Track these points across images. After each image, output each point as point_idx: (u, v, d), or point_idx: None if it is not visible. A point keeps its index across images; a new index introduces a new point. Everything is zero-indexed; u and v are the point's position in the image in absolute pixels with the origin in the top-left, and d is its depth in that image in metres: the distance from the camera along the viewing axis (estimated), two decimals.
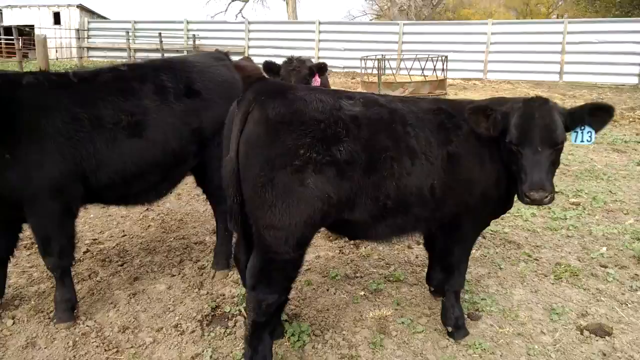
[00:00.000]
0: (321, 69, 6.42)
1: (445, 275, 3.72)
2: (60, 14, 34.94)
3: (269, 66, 6.29)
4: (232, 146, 2.93)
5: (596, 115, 3.26)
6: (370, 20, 48.95)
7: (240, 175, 2.92)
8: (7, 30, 33.34)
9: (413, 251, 5.32)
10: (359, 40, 27.07)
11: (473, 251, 5.07)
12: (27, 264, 4.76)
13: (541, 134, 3.09)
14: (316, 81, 6.36)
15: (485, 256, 5.24)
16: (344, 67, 26.42)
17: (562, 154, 3.34)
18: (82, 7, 34.93)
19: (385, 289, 4.47)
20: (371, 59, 19.25)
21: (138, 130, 3.67)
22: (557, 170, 3.64)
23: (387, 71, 20.06)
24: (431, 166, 3.23)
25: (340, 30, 28.29)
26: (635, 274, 4.93)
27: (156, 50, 29.04)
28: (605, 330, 3.91)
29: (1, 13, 35.81)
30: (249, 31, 29.81)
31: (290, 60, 6.30)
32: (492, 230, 5.91)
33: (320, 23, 28.29)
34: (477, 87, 20.43)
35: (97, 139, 3.53)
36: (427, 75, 18.79)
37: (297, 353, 3.53)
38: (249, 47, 29.67)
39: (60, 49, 31.91)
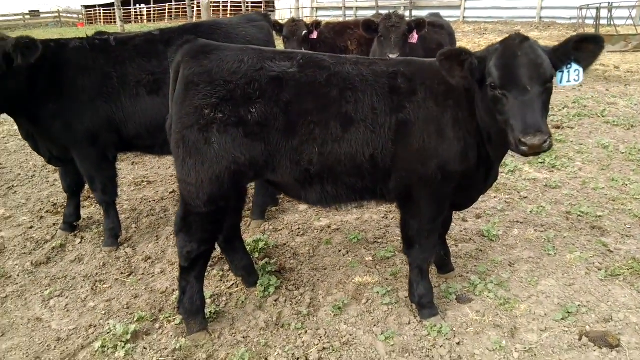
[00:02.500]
0: (419, 25, 6.23)
1: (407, 248, 3.50)
2: None
3: (368, 24, 6.34)
4: (170, 104, 3.23)
5: (583, 49, 2.83)
6: None
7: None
8: None
9: (462, 224, 4.96)
10: None
11: (532, 232, 4.60)
12: None
13: (528, 70, 2.68)
14: (413, 37, 6.20)
15: (545, 239, 4.60)
16: (570, 18, 23.38)
17: None
18: None
19: (392, 257, 4.36)
20: (593, 7, 16.79)
21: (157, 88, 4.26)
22: None
23: (618, 22, 17.27)
24: (372, 134, 3.09)
25: None
26: None
27: (373, 8, 29.76)
28: (609, 341, 3.25)
29: None
30: None
31: (389, 16, 6.25)
32: (582, 212, 5.08)
33: None
34: None
35: (124, 95, 4.23)
36: None
37: (257, 302, 3.81)
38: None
39: (296, 9, 35.01)
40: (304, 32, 7.25)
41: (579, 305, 3.64)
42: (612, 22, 16.66)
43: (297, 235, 4.86)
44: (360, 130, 3.08)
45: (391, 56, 5.86)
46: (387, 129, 3.10)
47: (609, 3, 17.12)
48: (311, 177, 3.18)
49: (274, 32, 7.16)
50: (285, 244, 4.70)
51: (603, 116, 8.46)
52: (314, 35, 7.33)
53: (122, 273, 4.28)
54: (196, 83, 3.01)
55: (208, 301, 3.67)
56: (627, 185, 5.71)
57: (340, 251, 4.54)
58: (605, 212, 5.08)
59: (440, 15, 8.48)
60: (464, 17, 28.07)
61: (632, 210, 5.10)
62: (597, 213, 5.05)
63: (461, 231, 4.83)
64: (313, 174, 3.17)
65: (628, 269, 4.05)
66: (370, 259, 4.39)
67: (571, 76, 2.90)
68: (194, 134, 3.00)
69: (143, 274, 4.29)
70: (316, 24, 7.41)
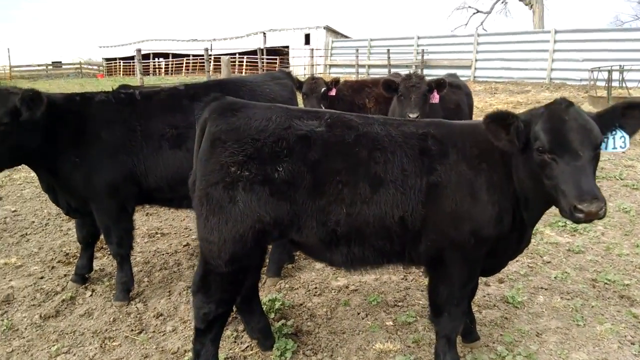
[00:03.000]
0: (440, 85, 6.28)
1: (435, 316, 3.34)
2: (310, 35, 39.26)
3: (388, 84, 6.40)
4: (194, 161, 3.18)
5: (629, 116, 2.82)
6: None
7: None
8: (269, 51, 38.82)
9: (485, 289, 4.79)
10: (602, 49, 24.02)
11: (558, 299, 4.43)
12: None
13: (579, 135, 2.62)
14: (435, 98, 6.24)
15: (572, 307, 4.42)
16: (580, 80, 23.70)
17: None
18: (328, 28, 38.69)
19: (414, 323, 4.19)
20: (604, 71, 17.02)
21: (180, 142, 4.25)
22: None
23: (630, 84, 17.46)
24: (402, 196, 3.00)
25: (580, 39, 25.43)
26: None
27: (385, 66, 30.45)
28: None
29: (265, 36, 41.85)
30: (478, 44, 29.06)
31: (409, 76, 6.31)
32: (608, 280, 4.91)
33: (556, 32, 26.02)
34: None
35: (146, 148, 4.22)
36: None
37: None
38: (476, 60, 28.96)
39: (310, 66, 35.96)
40: (322, 89, 7.35)
41: None
42: (624, 85, 16.83)
43: (314, 295, 4.72)
44: (390, 192, 2.99)
45: (411, 116, 5.87)
46: (418, 191, 3.01)
47: (620, 66, 17.39)
48: (337, 239, 3.07)
49: (296, 89, 7.32)
50: (301, 304, 4.55)
51: (622, 179, 8.37)
52: (333, 92, 7.42)
53: (132, 330, 4.13)
54: (223, 140, 2.97)
55: None
56: None
57: (359, 314, 4.37)
58: (632, 281, 4.90)
59: (457, 75, 8.60)
60: (474, 77, 28.59)
61: None
62: (625, 281, 4.88)
63: (484, 296, 4.66)
64: (340, 235, 3.07)
65: None
66: (391, 323, 4.21)
67: (617, 142, 2.85)
68: (219, 191, 2.93)
69: (154, 331, 4.13)
70: (335, 82, 7.53)
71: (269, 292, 4.75)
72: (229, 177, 2.91)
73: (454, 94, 7.24)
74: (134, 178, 4.26)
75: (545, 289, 4.80)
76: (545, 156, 2.70)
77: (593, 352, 3.81)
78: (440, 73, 22.67)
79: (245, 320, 3.83)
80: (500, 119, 2.83)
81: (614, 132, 2.84)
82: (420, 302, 4.54)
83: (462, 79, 8.92)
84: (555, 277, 5.01)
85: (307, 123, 3.06)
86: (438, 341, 3.41)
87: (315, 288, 4.83)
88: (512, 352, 3.76)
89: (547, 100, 18.16)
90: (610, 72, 16.22)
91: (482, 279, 4.88)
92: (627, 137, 2.84)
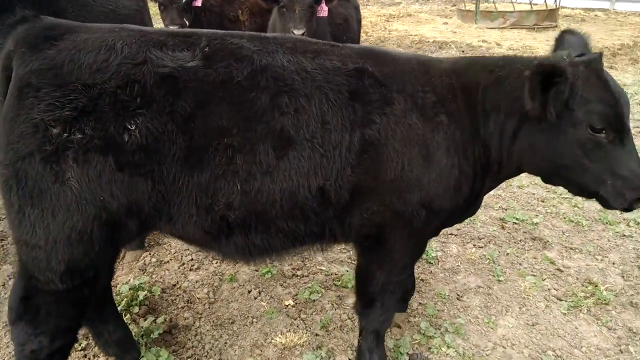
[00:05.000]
0: None
1: (363, 307, 2.60)
2: None
3: None
4: None
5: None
6: None
7: None
8: None
9: None
10: None
11: (472, 248, 3.90)
12: None
13: (628, 109, 2.11)
14: (323, 10, 5.15)
15: (488, 258, 3.93)
16: None
17: None
18: None
19: (319, 299, 3.41)
20: None
21: None
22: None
23: None
24: (322, 159, 2.11)
25: None
26: None
27: None
28: None
29: None
30: None
31: None
32: (516, 219, 4.51)
33: None
34: (597, 20, 17.18)
35: None
36: (535, 4, 16.18)
37: None
38: None
39: None
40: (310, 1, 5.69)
41: (554, 357, 2.99)
42: None
43: (191, 270, 3.71)
44: (304, 154, 2.08)
45: (296, 32, 4.79)
46: (346, 149, 2.13)
47: None
48: (230, 228, 2.15)
49: None
50: (175, 285, 3.53)
51: None
52: (198, 2, 5.97)
53: None
54: (36, 86, 1.89)
55: None
56: None
57: (250, 292, 3.48)
58: (539, 218, 4.55)
59: None
60: None
61: (566, 213, 4.64)
62: (533, 220, 4.51)
63: None
64: (233, 223, 2.13)
65: (588, 297, 3.50)
66: (291, 302, 3.39)
67: None
68: (36, 166, 1.89)
69: None
70: None
71: (129, 272, 3.65)
72: (49, 143, 1.87)
73: (342, 7, 6.20)
74: None
75: (455, 235, 4.27)
76: (601, 136, 2.07)
77: (521, 315, 3.35)
78: None
79: (94, 333, 2.74)
80: (551, 73, 1.98)
81: None
82: (323, 267, 3.75)
83: None
84: (470, 219, 4.50)
85: (173, 55, 2.02)
86: (364, 338, 2.68)
87: (192, 260, 3.81)
88: (439, 330, 3.15)
89: (418, 12, 17.87)
90: None
91: None
92: None
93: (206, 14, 6.31)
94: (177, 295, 3.42)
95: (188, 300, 3.38)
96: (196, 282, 3.57)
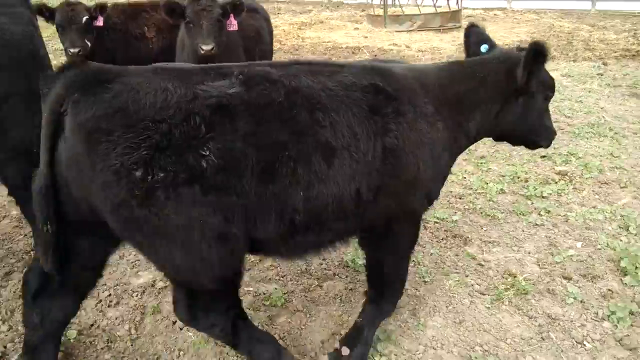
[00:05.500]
0: (236, 7, 5.06)
1: (379, 295, 2.95)
2: None
3: (171, 7, 4.98)
4: (41, 156, 2.09)
5: None
6: None
7: (55, 197, 2.15)
8: None
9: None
10: None
11: None
12: None
13: None
14: (232, 24, 5.06)
15: (413, 260, 3.99)
16: None
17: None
18: None
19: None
20: None
21: None
22: (555, 125, 3.60)
23: (402, 1, 18.04)
24: (357, 165, 2.42)
25: None
26: (608, 290, 3.63)
27: None
28: None
29: None
30: None
31: None
32: (437, 218, 4.63)
33: None
34: (497, 19, 18.19)
35: None
36: (439, 6, 16.85)
37: None
38: None
39: None
40: (84, 18, 5.53)
41: (481, 352, 3.07)
42: (398, 3, 17.48)
43: (109, 307, 3.49)
44: (346, 163, 2.38)
45: (204, 47, 4.68)
46: (372, 157, 2.46)
47: None
48: (296, 229, 2.41)
49: (45, 20, 5.48)
50: (92, 325, 3.31)
51: None
52: (99, 22, 5.68)
53: None
54: (107, 130, 1.97)
55: None
56: (465, 178, 5.49)
57: (175, 323, 3.32)
58: (459, 215, 4.70)
59: None
60: None
61: (482, 208, 4.83)
62: (453, 217, 4.65)
63: (321, 264, 3.97)
64: (298, 225, 2.39)
65: (508, 288, 3.64)
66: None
67: None
68: (136, 211, 2.03)
69: None
70: (101, 7, 5.68)
71: None
72: (137, 188, 1.98)
73: (252, 20, 6.12)
74: None
75: None
76: (547, 103, 3.07)
77: (448, 314, 3.42)
78: None
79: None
80: (540, 52, 2.66)
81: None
82: (250, 288, 3.66)
83: None
84: None
85: (213, 85, 2.21)
86: (368, 323, 2.96)
87: (110, 295, 3.59)
88: None
89: (329, 19, 18.09)
90: None
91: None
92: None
93: (109, 33, 6.02)
94: (95, 336, 3.21)
95: (108, 339, 3.18)
96: (116, 318, 3.37)
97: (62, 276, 2.40)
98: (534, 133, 3.12)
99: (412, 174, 2.57)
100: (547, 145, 3.24)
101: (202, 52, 4.64)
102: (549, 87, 2.99)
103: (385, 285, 2.93)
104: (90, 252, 2.45)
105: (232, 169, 2.12)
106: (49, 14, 5.51)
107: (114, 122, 1.96)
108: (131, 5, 6.55)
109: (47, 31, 6.72)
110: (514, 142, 3.29)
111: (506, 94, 2.84)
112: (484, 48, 3.04)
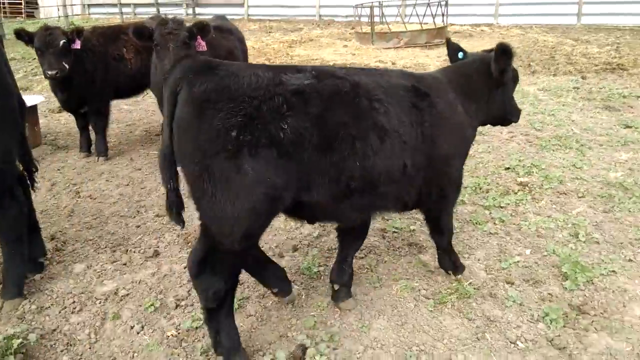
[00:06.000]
0: (203, 29, 5.34)
1: (438, 237, 3.97)
2: None
3: (140, 31, 5.27)
4: (164, 130, 2.75)
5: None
6: None
7: (175, 162, 2.76)
8: None
9: (279, 261, 4.31)
10: None
11: (355, 261, 4.14)
12: None
13: None
14: (201, 45, 5.31)
15: (367, 267, 4.19)
16: (346, 16, 24.61)
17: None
18: None
19: (202, 326, 3.50)
20: (366, 7, 17.71)
21: None
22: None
23: (389, 19, 18.41)
24: (404, 145, 3.12)
25: None
26: (548, 294, 3.82)
27: (152, 4, 27.96)
28: None
29: None
30: None
31: (164, 21, 5.24)
32: (396, 228, 4.84)
33: None
34: (483, 34, 18.53)
35: None
36: (426, 23, 17.19)
37: None
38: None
39: (64, 6, 31.09)
40: (62, 42, 5.81)
41: (417, 352, 3.26)
42: (384, 20, 17.84)
43: (72, 313, 3.70)
44: (396, 142, 3.07)
45: None
46: (415, 139, 3.19)
47: (379, 2, 18.30)
48: (351, 192, 2.99)
49: (25, 43, 5.76)
50: (55, 330, 3.51)
51: None
52: (77, 45, 5.95)
53: None
54: (214, 101, 2.59)
55: None
56: None
57: (132, 328, 3.53)
58: (417, 225, 4.91)
59: (226, 18, 7.73)
60: (248, 15, 27.89)
61: None
62: (411, 227, 4.86)
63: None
64: (353, 189, 2.98)
65: (453, 292, 3.83)
66: (174, 332, 3.47)
67: None
68: (222, 162, 2.58)
69: None
70: (77, 32, 5.97)
71: (7, 322, 3.59)
72: (230, 144, 2.56)
73: (225, 40, 6.41)
74: None
75: None
76: (514, 86, 3.97)
77: (393, 316, 3.61)
78: (215, 12, 21.40)
79: (261, 277, 3.71)
80: (506, 50, 3.51)
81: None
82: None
83: (236, 17, 8.04)
84: None
85: (294, 76, 2.83)
86: (442, 253, 4.06)
87: (74, 302, 3.80)
88: (314, 340, 3.34)
89: (319, 37, 18.43)
90: (372, 8, 17.00)
91: (274, 250, 4.42)
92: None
93: (88, 55, 6.29)
94: (56, 340, 3.41)
95: (68, 343, 3.38)
96: (77, 324, 3.57)
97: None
98: (510, 113, 3.96)
99: (445, 151, 3.37)
100: (517, 121, 4.07)
101: None
102: (515, 78, 3.90)
103: (443, 231, 3.89)
104: None
105: (300, 142, 2.69)
106: (27, 37, 5.80)
107: (220, 95, 2.58)
108: (110, 29, 6.84)
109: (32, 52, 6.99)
110: (497, 123, 4.12)
111: (490, 85, 3.70)
112: (460, 55, 3.90)
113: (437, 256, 4.10)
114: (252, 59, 12.25)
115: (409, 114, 3.14)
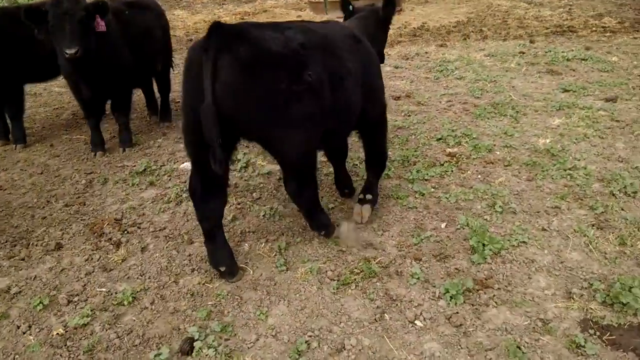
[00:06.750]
0: (100, 8, 5.00)
1: (377, 165, 4.61)
2: None
3: (31, 14, 4.88)
4: (207, 93, 2.95)
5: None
6: None
7: (220, 119, 3.00)
8: None
9: (186, 249, 4.16)
10: None
11: (263, 243, 4.02)
12: None
13: None
14: (100, 25, 5.00)
15: (276, 250, 4.07)
16: None
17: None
18: None
19: (90, 323, 3.35)
20: None
21: None
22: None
23: None
24: (357, 79, 3.74)
25: None
26: (455, 269, 3.75)
27: None
28: None
29: None
30: None
31: (58, 1, 4.87)
32: None
33: None
34: (439, 0, 18.25)
35: None
36: None
37: None
38: None
39: None
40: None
41: (310, 337, 3.17)
42: None
43: None
44: (354, 77, 3.72)
45: (68, 51, 4.65)
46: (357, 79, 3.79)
47: None
48: (341, 122, 3.82)
49: None
50: None
51: None
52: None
53: None
54: (261, 61, 3.11)
55: None
56: (357, 165, 5.57)
57: (19, 328, 3.36)
58: (337, 203, 4.79)
59: None
60: None
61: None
62: (330, 205, 4.74)
63: (183, 260, 4.03)
64: (341, 121, 3.78)
65: (359, 273, 3.73)
66: (62, 331, 3.31)
67: None
68: (280, 109, 3.17)
69: None
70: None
71: None
72: (283, 95, 3.15)
73: (141, 17, 6.09)
74: None
75: (253, 232, 4.40)
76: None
77: (294, 301, 3.51)
78: None
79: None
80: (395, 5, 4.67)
81: None
82: (104, 289, 3.71)
83: None
84: (264, 215, 4.64)
85: (291, 32, 3.33)
86: (373, 179, 4.61)
87: None
88: (205, 331, 3.23)
89: (273, 7, 17.98)
90: None
91: (184, 237, 4.26)
92: None
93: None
94: None
95: None
96: None
97: (220, 177, 3.39)
98: (383, 48, 4.91)
99: (369, 88, 3.97)
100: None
101: (67, 56, 4.61)
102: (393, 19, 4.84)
103: (383, 157, 4.59)
104: (229, 158, 3.53)
105: (320, 84, 3.29)
106: None
107: (261, 56, 3.10)
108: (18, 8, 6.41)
109: None
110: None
111: (377, 26, 4.67)
112: (350, 7, 4.86)
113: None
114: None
115: (355, 54, 3.78)
